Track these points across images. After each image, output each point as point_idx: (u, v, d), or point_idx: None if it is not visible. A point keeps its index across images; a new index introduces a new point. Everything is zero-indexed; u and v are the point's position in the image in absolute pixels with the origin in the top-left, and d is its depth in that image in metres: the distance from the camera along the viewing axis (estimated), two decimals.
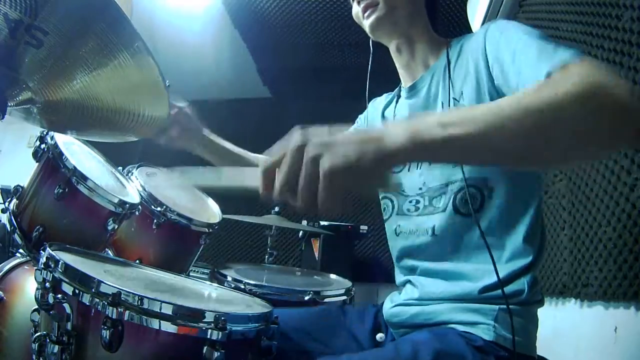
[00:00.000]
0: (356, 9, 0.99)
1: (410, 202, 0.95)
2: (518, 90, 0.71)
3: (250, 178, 0.68)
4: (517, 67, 0.73)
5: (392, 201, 1.00)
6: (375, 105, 1.16)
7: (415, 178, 0.95)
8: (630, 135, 0.55)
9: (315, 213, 0.57)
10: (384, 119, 1.09)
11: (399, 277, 0.99)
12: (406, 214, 0.96)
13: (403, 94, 1.04)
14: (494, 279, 0.78)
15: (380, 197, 1.04)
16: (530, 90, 0.58)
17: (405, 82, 1.04)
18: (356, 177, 0.55)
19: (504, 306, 0.77)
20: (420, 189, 0.94)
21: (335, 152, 0.54)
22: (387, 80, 1.13)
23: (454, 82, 0.89)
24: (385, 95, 1.15)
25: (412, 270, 0.94)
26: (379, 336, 0.94)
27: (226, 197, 1.77)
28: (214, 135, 1.23)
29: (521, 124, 0.54)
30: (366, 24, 0.97)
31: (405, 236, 0.95)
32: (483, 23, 1.92)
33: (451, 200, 0.87)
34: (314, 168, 0.54)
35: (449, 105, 0.88)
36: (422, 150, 0.55)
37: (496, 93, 0.81)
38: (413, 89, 1.00)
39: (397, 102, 1.06)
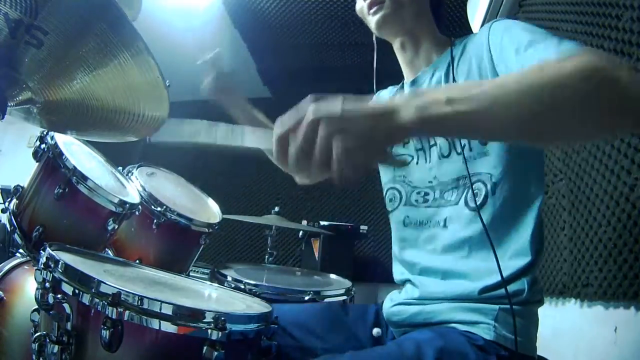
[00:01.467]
0: (361, 5, 0.99)
1: (419, 193, 0.96)
2: None
3: (251, 139, 0.68)
4: (520, 62, 0.75)
5: (399, 192, 1.00)
6: (381, 98, 1.16)
7: (425, 171, 0.95)
8: (630, 120, 0.56)
9: (329, 183, 0.59)
10: None
11: (398, 274, 0.99)
12: (414, 205, 0.97)
13: (405, 88, 1.04)
14: (494, 279, 0.78)
15: (386, 189, 1.05)
16: (534, 68, 0.59)
17: (408, 77, 1.05)
18: (368, 153, 0.57)
19: (504, 306, 0.77)
20: (431, 182, 0.94)
21: (349, 130, 0.55)
22: (389, 78, 1.13)
23: (456, 79, 0.89)
24: (390, 88, 1.15)
25: (412, 267, 0.95)
26: (375, 331, 0.94)
27: (226, 197, 1.77)
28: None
29: (524, 99, 0.56)
30: (372, 20, 0.97)
31: (414, 227, 0.96)
32: (483, 23, 1.92)
33: (463, 194, 0.88)
34: (329, 145, 0.55)
35: None
36: (430, 125, 0.58)
37: None
38: (414, 84, 1.00)
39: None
